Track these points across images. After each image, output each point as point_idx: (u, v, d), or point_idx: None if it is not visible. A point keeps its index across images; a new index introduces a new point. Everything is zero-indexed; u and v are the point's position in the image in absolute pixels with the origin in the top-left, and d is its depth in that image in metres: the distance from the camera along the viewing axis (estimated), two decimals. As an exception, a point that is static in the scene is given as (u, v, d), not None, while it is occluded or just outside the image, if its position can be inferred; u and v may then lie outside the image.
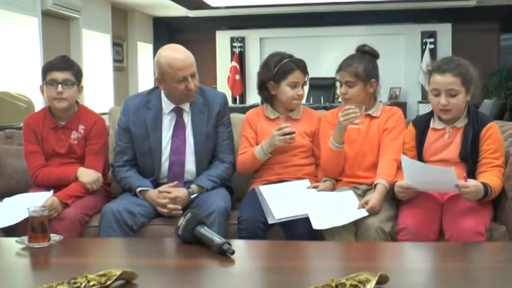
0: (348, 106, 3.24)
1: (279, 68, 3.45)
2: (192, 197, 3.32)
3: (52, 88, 3.40)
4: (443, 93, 3.11)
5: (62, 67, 3.43)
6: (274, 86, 3.47)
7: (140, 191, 3.35)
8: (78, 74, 3.47)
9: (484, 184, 2.94)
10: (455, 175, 2.88)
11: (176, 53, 3.33)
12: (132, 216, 3.19)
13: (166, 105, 3.45)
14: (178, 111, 3.45)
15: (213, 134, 3.49)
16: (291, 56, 3.50)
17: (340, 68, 3.39)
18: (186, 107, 3.45)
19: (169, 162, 3.43)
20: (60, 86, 3.39)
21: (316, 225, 3.01)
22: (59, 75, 3.40)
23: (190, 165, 3.45)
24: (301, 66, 3.47)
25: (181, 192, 3.31)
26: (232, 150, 3.56)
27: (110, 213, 3.16)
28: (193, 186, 3.36)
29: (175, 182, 3.36)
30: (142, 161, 3.49)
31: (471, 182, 2.91)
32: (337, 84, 3.49)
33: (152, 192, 3.33)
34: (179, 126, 3.45)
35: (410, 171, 3.03)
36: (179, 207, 3.26)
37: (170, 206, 3.26)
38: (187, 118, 3.46)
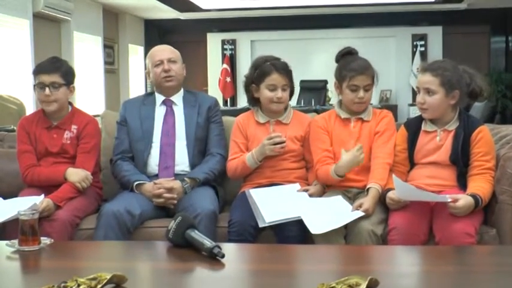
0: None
1: (258, 71, 3.45)
2: (185, 186, 3.40)
3: (41, 91, 3.42)
4: (421, 91, 3.17)
5: (48, 70, 3.44)
6: (257, 89, 3.48)
7: (137, 185, 3.42)
8: (67, 75, 3.48)
9: (474, 196, 2.96)
10: (449, 200, 2.93)
11: (158, 47, 3.75)
12: (131, 217, 3.23)
13: (158, 98, 3.67)
14: (169, 103, 3.66)
15: (204, 126, 3.61)
16: (275, 59, 3.48)
17: (360, 72, 3.28)
18: (177, 100, 3.63)
19: (160, 144, 3.55)
20: (47, 89, 3.40)
21: (314, 230, 2.97)
22: (47, 78, 3.41)
23: (180, 150, 3.55)
24: (280, 68, 3.42)
25: (176, 183, 3.38)
26: (224, 145, 3.63)
27: (110, 213, 3.19)
28: (186, 179, 3.44)
29: (172, 178, 3.43)
30: (135, 148, 3.59)
31: (460, 202, 2.92)
32: (347, 88, 3.30)
33: (148, 185, 3.41)
34: (169, 114, 3.65)
35: (402, 191, 3.04)
36: (175, 195, 3.35)
37: (166, 195, 3.34)
38: (178, 109, 3.63)
